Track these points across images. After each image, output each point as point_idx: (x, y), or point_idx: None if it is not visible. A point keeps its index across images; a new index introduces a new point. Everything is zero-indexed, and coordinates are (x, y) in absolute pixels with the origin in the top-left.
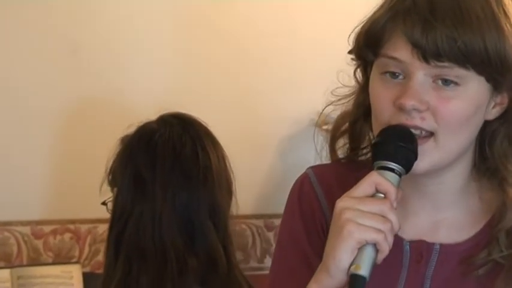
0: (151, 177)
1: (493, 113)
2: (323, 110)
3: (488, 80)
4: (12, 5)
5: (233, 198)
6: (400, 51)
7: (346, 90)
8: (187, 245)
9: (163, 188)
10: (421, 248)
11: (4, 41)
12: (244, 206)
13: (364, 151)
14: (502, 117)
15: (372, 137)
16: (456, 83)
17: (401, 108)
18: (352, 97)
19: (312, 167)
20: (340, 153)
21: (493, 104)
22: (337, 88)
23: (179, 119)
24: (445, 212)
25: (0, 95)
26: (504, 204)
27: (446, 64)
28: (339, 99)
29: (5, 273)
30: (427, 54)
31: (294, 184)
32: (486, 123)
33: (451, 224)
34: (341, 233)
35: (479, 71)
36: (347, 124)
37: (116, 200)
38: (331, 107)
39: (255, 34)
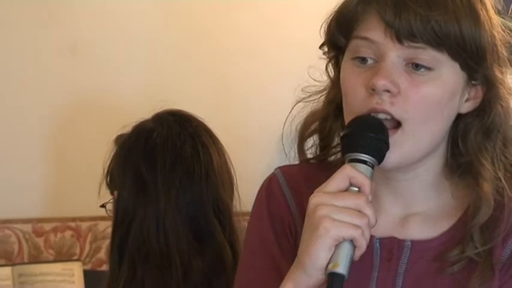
0: (152, 179)
1: (466, 107)
2: (292, 108)
3: (462, 67)
4: (12, 4)
5: (235, 192)
6: (373, 31)
7: (317, 87)
8: (192, 246)
9: (166, 189)
10: (392, 245)
11: (4, 40)
12: (247, 203)
13: (334, 150)
14: (476, 110)
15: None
16: (428, 68)
17: (373, 90)
18: (323, 94)
19: (280, 167)
20: (309, 154)
21: (466, 96)
22: (307, 87)
23: (176, 116)
24: (416, 208)
25: (0, 93)
26: (479, 198)
27: (420, 45)
28: (309, 96)
29: (6, 270)
30: (400, 34)
31: (262, 185)
32: (459, 118)
33: (422, 219)
34: (317, 230)
35: (454, 56)
36: (316, 123)
37: (118, 204)
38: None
39: (251, 30)
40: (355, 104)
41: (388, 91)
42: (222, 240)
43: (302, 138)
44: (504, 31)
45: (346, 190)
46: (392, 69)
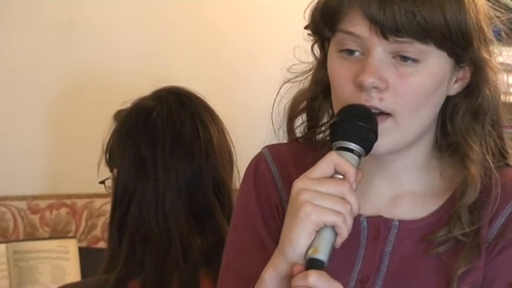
0: (152, 159)
1: (455, 89)
2: (280, 88)
3: (450, 55)
4: None
5: (235, 170)
6: (358, 26)
7: (303, 67)
8: (192, 226)
9: (166, 169)
10: (379, 223)
11: (0, 14)
12: None
13: (322, 129)
14: (464, 91)
15: (331, 115)
16: (415, 60)
17: (360, 86)
18: (310, 74)
19: (268, 146)
20: (298, 132)
21: (454, 79)
22: (293, 65)
23: (175, 95)
24: (405, 187)
25: None
26: (466, 180)
27: (405, 39)
28: (296, 76)
29: (1, 248)
30: (386, 30)
31: (250, 164)
32: (447, 98)
33: (411, 200)
34: (298, 215)
35: (440, 46)
36: (304, 103)
37: (117, 182)
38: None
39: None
40: (344, 97)
41: (376, 87)
42: (221, 219)
43: (291, 117)
44: (489, 10)
45: (331, 177)
46: (379, 64)
